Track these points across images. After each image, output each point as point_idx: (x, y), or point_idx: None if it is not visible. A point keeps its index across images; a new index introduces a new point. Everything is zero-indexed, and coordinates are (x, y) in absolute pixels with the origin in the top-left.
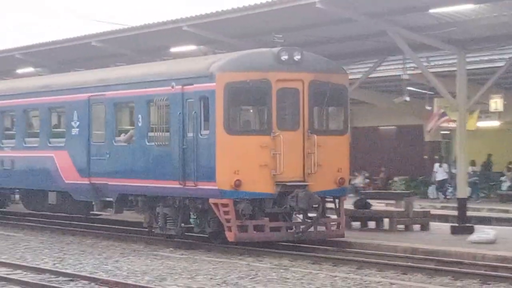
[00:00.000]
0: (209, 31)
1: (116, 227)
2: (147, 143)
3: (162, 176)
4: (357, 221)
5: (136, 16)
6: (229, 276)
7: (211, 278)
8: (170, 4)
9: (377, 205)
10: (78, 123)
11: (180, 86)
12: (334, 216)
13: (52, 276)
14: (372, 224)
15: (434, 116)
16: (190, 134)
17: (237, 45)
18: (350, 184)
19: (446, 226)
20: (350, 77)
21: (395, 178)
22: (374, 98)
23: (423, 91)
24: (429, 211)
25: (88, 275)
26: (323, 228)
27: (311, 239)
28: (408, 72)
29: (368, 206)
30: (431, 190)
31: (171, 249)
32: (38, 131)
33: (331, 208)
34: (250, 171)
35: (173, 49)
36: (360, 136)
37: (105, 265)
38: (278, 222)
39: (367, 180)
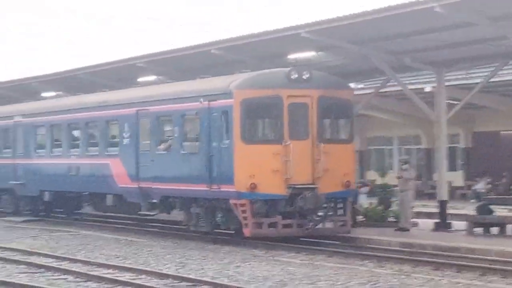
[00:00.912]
0: (327, 37)
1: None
2: (182, 152)
3: (194, 180)
4: (479, 227)
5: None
6: (350, 282)
7: (332, 284)
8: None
9: (500, 211)
10: (128, 133)
11: (207, 102)
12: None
13: (175, 281)
14: (495, 230)
15: None
16: (214, 144)
17: (354, 51)
18: (471, 189)
19: None
20: (470, 81)
21: None
22: (495, 103)
23: None
24: None
25: (210, 280)
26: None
27: (319, 235)
28: None
29: (490, 211)
30: None
31: (292, 254)
32: (97, 141)
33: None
34: (264, 175)
35: (291, 56)
36: (481, 141)
37: (227, 270)
38: (289, 220)
39: (489, 186)
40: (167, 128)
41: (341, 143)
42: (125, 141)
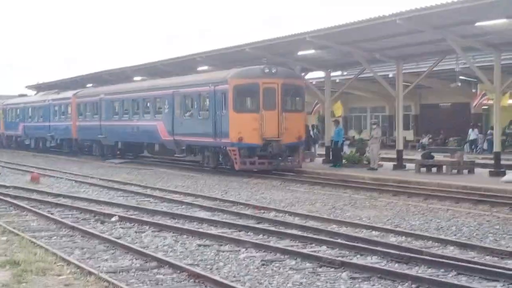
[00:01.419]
0: (324, 40)
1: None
2: (199, 118)
3: (205, 135)
4: (424, 167)
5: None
6: (337, 203)
7: (325, 205)
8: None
9: (438, 156)
10: (167, 106)
11: (213, 86)
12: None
13: (221, 202)
14: (434, 170)
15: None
16: (217, 112)
17: (341, 49)
18: (418, 142)
19: (486, 171)
20: (419, 70)
21: (450, 138)
22: (436, 84)
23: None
24: (474, 161)
25: (244, 201)
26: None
27: (282, 169)
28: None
29: (431, 157)
30: (466, 147)
31: (298, 185)
32: (150, 111)
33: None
34: (247, 132)
35: (300, 53)
36: (426, 110)
37: (255, 195)
38: (263, 160)
39: (431, 140)
40: (191, 103)
41: (296, 112)
42: (166, 110)
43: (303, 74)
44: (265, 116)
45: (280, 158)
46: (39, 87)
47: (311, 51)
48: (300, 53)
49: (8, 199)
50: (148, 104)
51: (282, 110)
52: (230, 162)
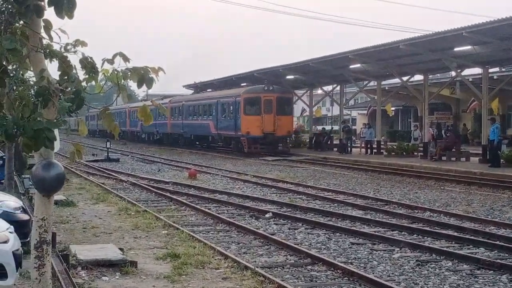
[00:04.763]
0: (481, 35)
1: (404, 170)
2: (228, 118)
3: (231, 130)
4: None
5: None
6: (495, 204)
7: (482, 206)
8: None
9: None
10: (214, 110)
11: (234, 98)
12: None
13: (373, 201)
14: None
15: None
16: (236, 115)
17: (499, 44)
18: None
19: None
20: None
21: None
22: None
23: None
24: None
25: (396, 201)
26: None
27: (277, 152)
28: None
29: None
30: None
31: (453, 184)
32: (206, 113)
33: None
34: (253, 128)
35: (456, 49)
36: None
37: (408, 195)
38: (264, 146)
39: None
40: (224, 108)
41: (286, 115)
42: (213, 113)
43: (459, 70)
44: (264, 118)
45: (276, 146)
46: (196, 86)
47: (468, 47)
48: (456, 49)
49: (168, 194)
50: (205, 109)
51: (277, 114)
52: (243, 147)
